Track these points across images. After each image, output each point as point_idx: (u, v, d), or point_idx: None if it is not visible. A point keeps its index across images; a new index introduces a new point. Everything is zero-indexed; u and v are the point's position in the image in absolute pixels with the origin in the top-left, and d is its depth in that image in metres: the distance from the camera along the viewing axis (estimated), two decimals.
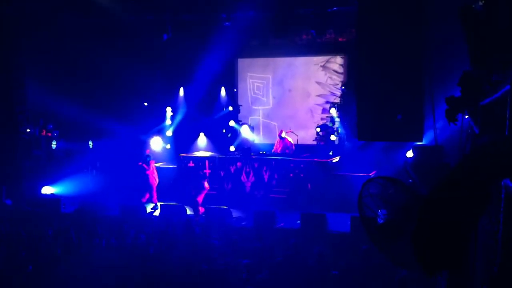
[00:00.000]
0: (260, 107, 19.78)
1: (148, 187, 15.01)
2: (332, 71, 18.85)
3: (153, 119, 18.53)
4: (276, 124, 19.36)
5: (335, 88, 18.79)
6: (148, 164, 15.01)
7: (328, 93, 18.91)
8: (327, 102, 18.74)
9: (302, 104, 19.27)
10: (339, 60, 18.73)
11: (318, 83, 19.01)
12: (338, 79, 18.77)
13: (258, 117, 19.71)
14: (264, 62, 19.65)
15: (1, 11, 14.50)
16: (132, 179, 15.72)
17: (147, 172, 14.98)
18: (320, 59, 18.83)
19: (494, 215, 4.03)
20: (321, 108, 19.02)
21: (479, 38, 4.46)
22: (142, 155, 15.46)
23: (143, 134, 17.83)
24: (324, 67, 18.93)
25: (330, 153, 16.04)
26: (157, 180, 15.23)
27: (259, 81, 19.86)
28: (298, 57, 18.82)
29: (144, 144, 17.66)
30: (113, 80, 17.57)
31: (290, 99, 19.43)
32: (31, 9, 15.05)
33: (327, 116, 17.68)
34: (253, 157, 15.76)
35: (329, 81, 18.87)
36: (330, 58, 18.81)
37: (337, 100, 17.65)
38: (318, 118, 18.91)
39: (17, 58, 15.14)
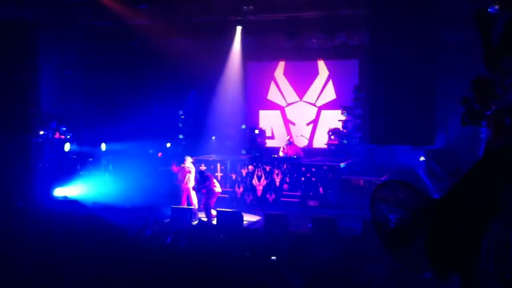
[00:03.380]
0: None
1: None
2: None
3: (165, 121, 18.58)
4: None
5: None
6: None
7: None
8: None
9: None
10: None
11: None
12: None
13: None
14: None
15: (17, 14, 14.66)
16: (145, 182, 15.78)
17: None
18: None
19: (507, 219, 4.01)
20: None
21: (493, 41, 4.45)
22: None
23: (155, 137, 17.88)
24: None
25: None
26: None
27: None
28: (309, 61, 18.80)
29: (157, 147, 17.69)
30: (126, 83, 17.70)
31: None
32: (47, 12, 15.20)
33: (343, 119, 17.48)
34: (265, 160, 15.76)
35: None
36: None
37: None
38: None
39: (32, 60, 15.26)
